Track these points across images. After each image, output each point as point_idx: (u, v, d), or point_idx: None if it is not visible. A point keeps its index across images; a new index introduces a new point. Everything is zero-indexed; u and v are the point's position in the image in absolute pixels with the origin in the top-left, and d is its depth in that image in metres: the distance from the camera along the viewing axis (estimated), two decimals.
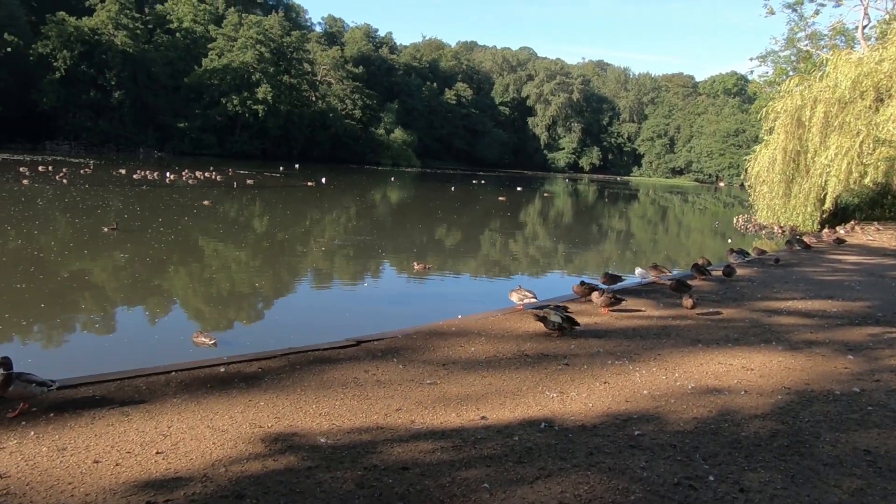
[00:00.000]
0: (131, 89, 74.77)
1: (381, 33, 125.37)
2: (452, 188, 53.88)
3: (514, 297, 10.03)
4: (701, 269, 14.01)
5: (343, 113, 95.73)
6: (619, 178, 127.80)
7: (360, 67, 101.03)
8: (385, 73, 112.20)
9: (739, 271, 15.54)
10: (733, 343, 8.67)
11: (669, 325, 9.53)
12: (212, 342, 9.50)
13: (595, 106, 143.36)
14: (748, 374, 7.26)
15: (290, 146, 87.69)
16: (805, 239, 22.64)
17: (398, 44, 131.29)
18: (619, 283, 12.35)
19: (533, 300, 9.94)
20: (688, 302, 10.29)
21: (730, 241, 28.06)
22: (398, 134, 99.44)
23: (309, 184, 45.08)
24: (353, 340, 7.69)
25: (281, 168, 59.40)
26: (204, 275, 14.56)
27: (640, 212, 51.22)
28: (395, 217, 31.42)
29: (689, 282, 13.47)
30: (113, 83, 72.97)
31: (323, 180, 48.70)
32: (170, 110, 79.06)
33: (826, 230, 27.79)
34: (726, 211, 52.63)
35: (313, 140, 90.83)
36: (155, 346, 9.42)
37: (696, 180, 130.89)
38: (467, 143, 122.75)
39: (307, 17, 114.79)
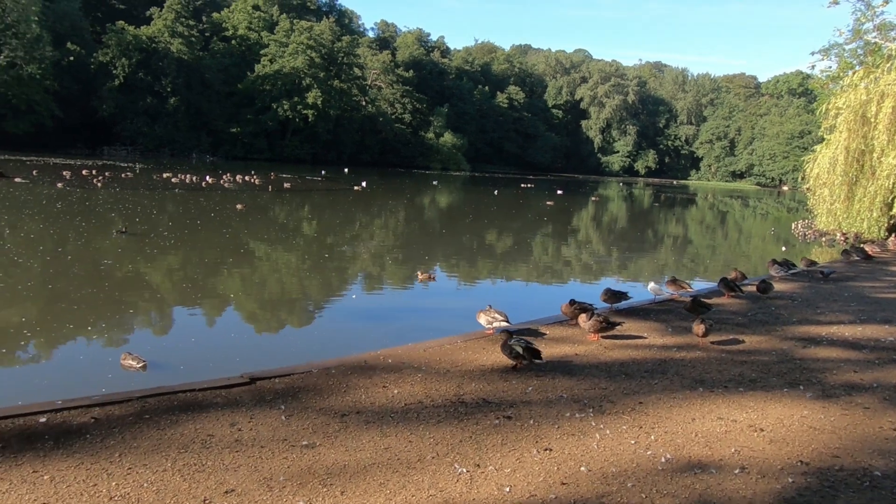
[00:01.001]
0: (186, 95, 75.69)
1: (434, 38, 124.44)
2: (496, 192, 51.93)
3: (482, 320, 8.25)
4: (730, 285, 11.87)
5: (393, 117, 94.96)
6: (675, 182, 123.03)
7: (411, 72, 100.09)
8: (436, 77, 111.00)
9: (780, 286, 13.32)
10: (747, 386, 6.69)
11: (670, 359, 7.59)
12: (140, 365, 8.08)
13: (651, 108, 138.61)
14: (755, 437, 5.32)
15: (339, 150, 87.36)
16: (866, 248, 19.97)
17: (451, 48, 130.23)
18: (624, 302, 10.39)
19: (503, 323, 8.13)
20: (699, 328, 8.29)
21: (784, 248, 25.36)
22: (448, 138, 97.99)
23: (357, 188, 44.02)
24: (246, 377, 6.09)
25: (323, 172, 58.73)
26: (186, 279, 13.25)
27: (697, 216, 48.20)
28: (421, 222, 29.81)
29: (716, 300, 11.46)
30: (168, 90, 73.96)
31: (363, 184, 47.62)
32: (223, 116, 79.78)
33: (893, 238, 24.79)
34: (789, 216, 49.02)
35: (363, 144, 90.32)
36: (82, 368, 8.02)
37: (758, 184, 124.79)
38: (519, 146, 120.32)
39: (360, 22, 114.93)
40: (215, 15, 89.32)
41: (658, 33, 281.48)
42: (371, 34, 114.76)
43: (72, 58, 70.53)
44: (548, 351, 7.61)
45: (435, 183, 57.75)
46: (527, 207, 40.62)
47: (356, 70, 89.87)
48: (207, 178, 40.96)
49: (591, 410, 5.72)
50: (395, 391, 6.01)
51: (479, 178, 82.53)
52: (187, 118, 76.65)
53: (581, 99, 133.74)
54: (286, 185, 42.00)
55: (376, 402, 5.72)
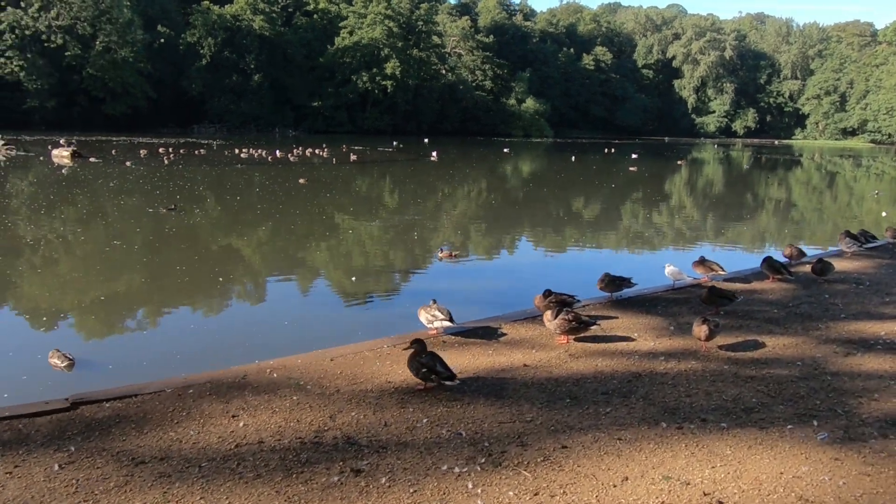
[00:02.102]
0: (269, 72, 76.57)
1: (517, 1, 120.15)
2: (573, 158, 49.24)
3: (423, 317, 6.71)
4: (774, 266, 9.69)
5: (473, 84, 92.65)
6: (777, 142, 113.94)
7: (491, 37, 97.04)
8: (519, 42, 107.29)
9: (850, 265, 10.94)
10: (735, 420, 4.86)
11: (647, 374, 5.80)
12: (64, 364, 7.18)
13: (751, 63, 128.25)
14: None
15: (419, 120, 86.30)
16: None
17: (536, 10, 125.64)
18: (626, 290, 8.50)
19: (446, 323, 6.56)
20: (700, 329, 6.38)
21: (885, 214, 21.97)
22: (530, 103, 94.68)
23: (429, 158, 42.90)
24: (70, 400, 4.89)
25: (395, 143, 57.69)
26: (217, 259, 12.40)
27: (802, 178, 43.76)
28: (473, 194, 28.11)
29: (757, 284, 9.38)
30: (252, 67, 74.97)
31: (433, 154, 46.28)
32: (305, 90, 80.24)
33: None
34: None
35: (443, 113, 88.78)
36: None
37: (873, 141, 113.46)
38: (606, 109, 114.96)
39: None
40: None
41: None
42: (452, 1, 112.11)
43: (162, 40, 72.69)
44: (490, 360, 6.02)
45: (506, 150, 55.47)
46: (604, 174, 38.00)
47: (435, 38, 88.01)
48: (277, 152, 40.85)
49: (482, 461, 4.14)
50: (244, 423, 4.64)
51: (561, 144, 79.25)
52: (271, 94, 77.65)
53: (673, 57, 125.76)
54: (353, 157, 41.27)
55: (204, 441, 4.38)
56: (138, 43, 66.80)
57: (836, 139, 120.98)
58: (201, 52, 72.67)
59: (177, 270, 11.28)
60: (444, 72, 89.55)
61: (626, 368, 5.90)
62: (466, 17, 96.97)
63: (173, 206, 17.96)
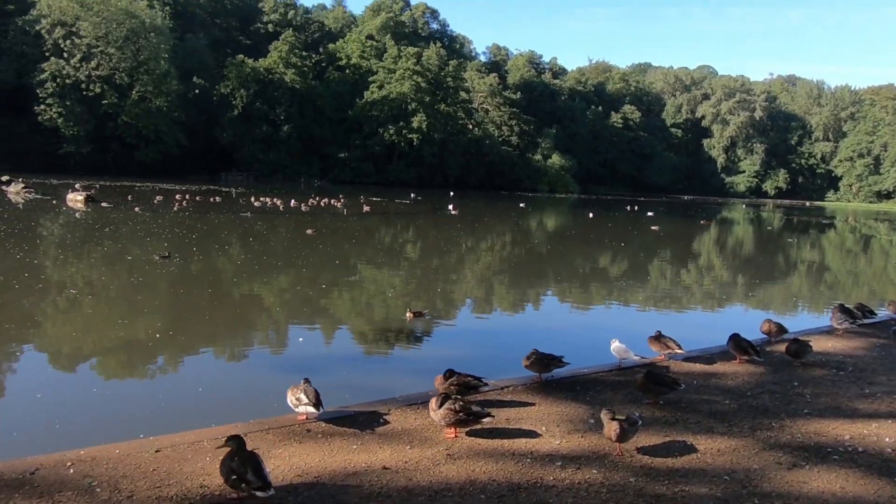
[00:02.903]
0: (298, 123, 77.84)
1: (547, 59, 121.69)
2: (590, 215, 48.19)
3: (289, 399, 5.74)
4: (741, 345, 8.54)
5: (499, 139, 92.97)
6: (809, 204, 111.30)
7: (519, 94, 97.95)
8: (547, 99, 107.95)
9: (840, 344, 9.68)
10: None
11: (529, 484, 4.70)
12: None
13: (782, 124, 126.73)
14: None
15: (445, 173, 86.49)
16: None
17: (566, 68, 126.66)
18: (558, 370, 7.41)
19: (310, 409, 5.56)
20: (610, 429, 5.27)
21: None
22: (555, 159, 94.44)
23: (444, 211, 42.33)
24: None
25: (412, 195, 57.49)
26: (185, 305, 11.70)
27: (836, 241, 41.95)
28: (474, 249, 27.24)
29: (721, 366, 8.23)
30: (282, 118, 76.35)
31: (450, 207, 45.75)
32: (333, 141, 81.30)
33: None
34: None
35: (469, 167, 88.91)
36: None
37: None
38: (634, 167, 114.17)
39: (472, 47, 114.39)
40: (331, 45, 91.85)
41: (792, 44, 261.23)
42: (483, 58, 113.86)
43: (197, 91, 74.75)
44: (347, 460, 5.00)
45: (522, 205, 54.73)
46: (618, 233, 36.85)
47: (462, 94, 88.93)
48: (291, 201, 40.70)
49: None
50: None
51: (584, 200, 78.36)
52: (299, 144, 78.77)
53: (703, 117, 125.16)
54: (366, 208, 40.91)
55: None
56: (173, 93, 68.71)
57: (870, 202, 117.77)
58: (234, 102, 74.35)
59: (118, 323, 10.52)
60: (470, 126, 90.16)
61: (507, 477, 4.82)
62: (495, 74, 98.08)
63: (167, 254, 17.57)
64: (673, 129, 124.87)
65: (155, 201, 37.03)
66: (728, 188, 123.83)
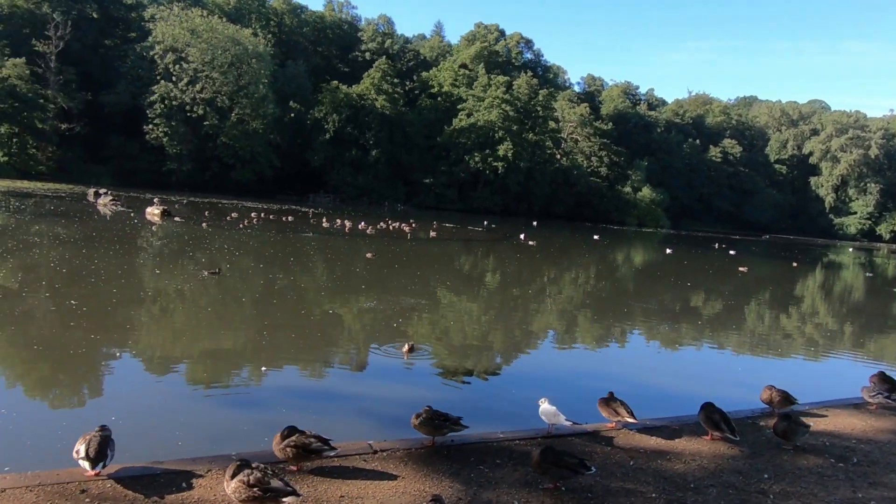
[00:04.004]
0: (387, 148, 78.24)
1: (643, 90, 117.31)
2: (668, 251, 44.64)
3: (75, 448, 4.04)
4: (713, 419, 6.56)
5: (588, 170, 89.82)
6: None
7: (610, 124, 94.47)
8: (641, 130, 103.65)
9: (862, 424, 7.20)
10: None
11: None
12: None
13: None
14: None
15: (530, 202, 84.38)
16: None
17: (665, 100, 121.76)
18: (464, 433, 5.43)
19: (86, 466, 3.84)
20: None
21: None
22: (646, 192, 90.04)
23: (531, 242, 40.37)
24: None
25: (485, 222, 55.72)
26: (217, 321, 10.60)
27: None
28: (517, 280, 24.99)
29: (686, 442, 6.05)
30: (371, 142, 76.95)
31: (522, 237, 43.65)
32: (420, 167, 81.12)
33: None
34: None
35: (555, 197, 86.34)
36: None
37: None
38: (732, 203, 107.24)
39: (566, 77, 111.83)
40: (424, 74, 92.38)
41: None
42: (577, 88, 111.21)
43: (292, 114, 76.75)
44: None
45: (596, 237, 51.69)
46: (693, 272, 33.50)
47: (551, 123, 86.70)
48: (362, 223, 40.00)
49: None
50: None
51: (672, 235, 73.79)
52: (387, 169, 79.07)
53: (810, 153, 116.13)
54: (432, 233, 39.55)
55: None
56: (269, 116, 70.72)
57: None
58: (326, 126, 75.65)
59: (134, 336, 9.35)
60: (558, 156, 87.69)
61: None
62: (586, 104, 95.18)
63: (216, 270, 17.18)
64: (777, 166, 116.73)
65: (228, 218, 37.25)
66: (837, 229, 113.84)
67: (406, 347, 10.93)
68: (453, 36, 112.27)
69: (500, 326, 14.94)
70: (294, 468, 5.11)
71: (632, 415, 6.66)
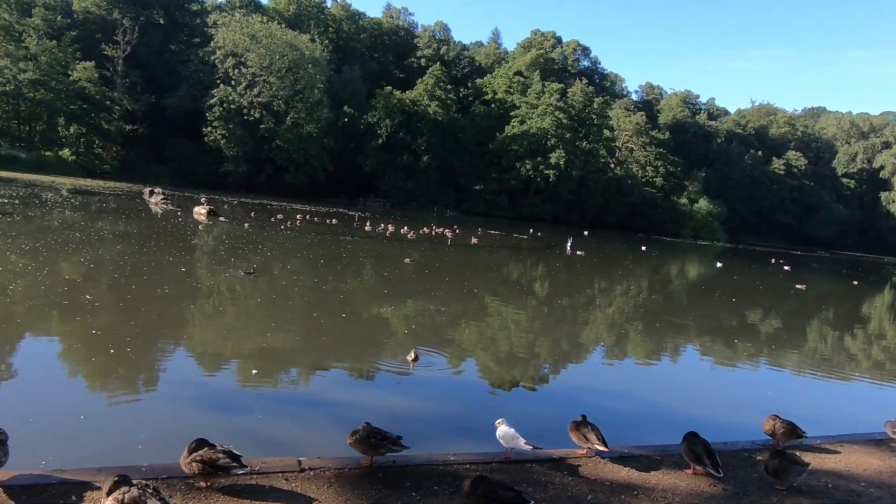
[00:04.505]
0: (438, 153, 77.89)
1: (704, 99, 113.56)
2: (718, 264, 42.48)
3: None
4: (695, 452, 5.72)
5: (643, 180, 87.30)
6: None
7: (667, 134, 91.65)
8: (700, 140, 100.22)
9: (879, 464, 5.95)
10: None
11: None
12: None
13: None
14: None
15: (581, 211, 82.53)
16: None
17: (727, 109, 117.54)
18: (406, 454, 4.69)
19: None
20: None
21: None
22: (702, 204, 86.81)
23: (579, 252, 39.15)
24: None
25: (531, 230, 54.38)
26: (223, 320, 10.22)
27: None
28: (545, 289, 23.81)
29: (663, 476, 5.21)
30: (423, 148, 76.73)
31: (568, 246, 42.28)
32: (472, 173, 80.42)
33: None
34: None
35: (607, 206, 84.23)
36: None
37: None
38: (795, 218, 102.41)
39: (623, 85, 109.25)
40: (479, 80, 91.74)
41: None
42: (634, 97, 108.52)
43: (346, 119, 77.23)
44: None
45: (644, 248, 49.72)
46: (742, 287, 31.56)
47: (606, 132, 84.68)
48: (404, 228, 39.47)
49: None
50: None
51: (728, 249, 70.69)
52: (437, 174, 78.72)
53: (881, 167, 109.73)
54: (474, 240, 38.68)
55: None
56: (323, 120, 71.28)
57: None
58: (378, 131, 75.82)
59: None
60: (612, 165, 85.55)
61: None
62: (642, 112, 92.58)
63: (252, 270, 17.17)
64: (844, 179, 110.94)
65: (272, 219, 37.30)
66: None
67: (411, 356, 10.38)
68: (510, 43, 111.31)
69: (512, 336, 13.97)
70: (203, 484, 4.67)
71: (602, 441, 5.99)
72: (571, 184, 78.96)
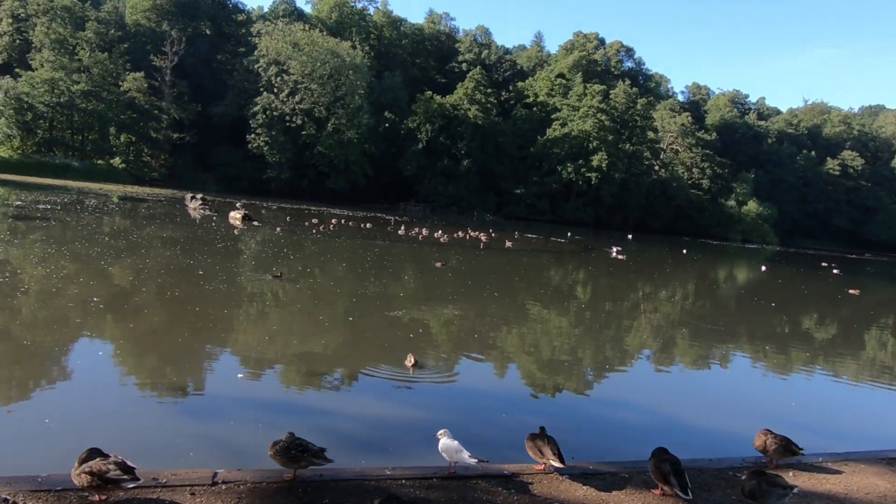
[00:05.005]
0: (478, 158, 77.11)
1: (753, 99, 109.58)
2: (763, 268, 40.37)
3: None
4: (663, 471, 4.94)
5: (689, 182, 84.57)
6: None
7: (714, 135, 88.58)
8: (749, 141, 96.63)
9: (889, 486, 4.83)
10: None
11: None
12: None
13: None
14: None
15: (624, 214, 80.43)
16: None
17: (779, 109, 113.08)
18: (332, 467, 3.96)
19: None
20: None
21: None
22: (751, 206, 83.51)
23: (621, 257, 37.98)
24: None
25: (569, 234, 52.94)
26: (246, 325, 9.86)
27: None
28: (567, 295, 22.66)
29: (640, 495, 4.59)
30: (463, 152, 76.06)
31: (614, 251, 40.82)
32: (512, 177, 79.36)
33: None
34: None
35: (651, 209, 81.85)
36: None
37: None
38: (852, 220, 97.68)
39: (669, 86, 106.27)
40: (520, 84, 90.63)
41: None
42: (681, 97, 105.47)
43: (387, 124, 77.24)
44: None
45: (685, 251, 47.76)
46: (786, 291, 29.74)
47: (650, 133, 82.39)
48: (437, 233, 38.82)
49: None
50: None
51: (779, 252, 67.62)
52: (477, 179, 77.96)
53: None
54: (508, 244, 37.72)
55: None
56: (364, 126, 71.42)
57: None
58: (419, 136, 75.53)
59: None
60: (656, 167, 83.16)
61: None
62: (687, 113, 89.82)
63: (280, 274, 16.95)
64: None
65: (306, 223, 37.18)
66: None
67: (410, 361, 9.85)
68: (553, 46, 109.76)
69: (523, 343, 13.06)
70: (97, 498, 4.26)
71: (558, 457, 5.45)
72: (614, 186, 77.06)
